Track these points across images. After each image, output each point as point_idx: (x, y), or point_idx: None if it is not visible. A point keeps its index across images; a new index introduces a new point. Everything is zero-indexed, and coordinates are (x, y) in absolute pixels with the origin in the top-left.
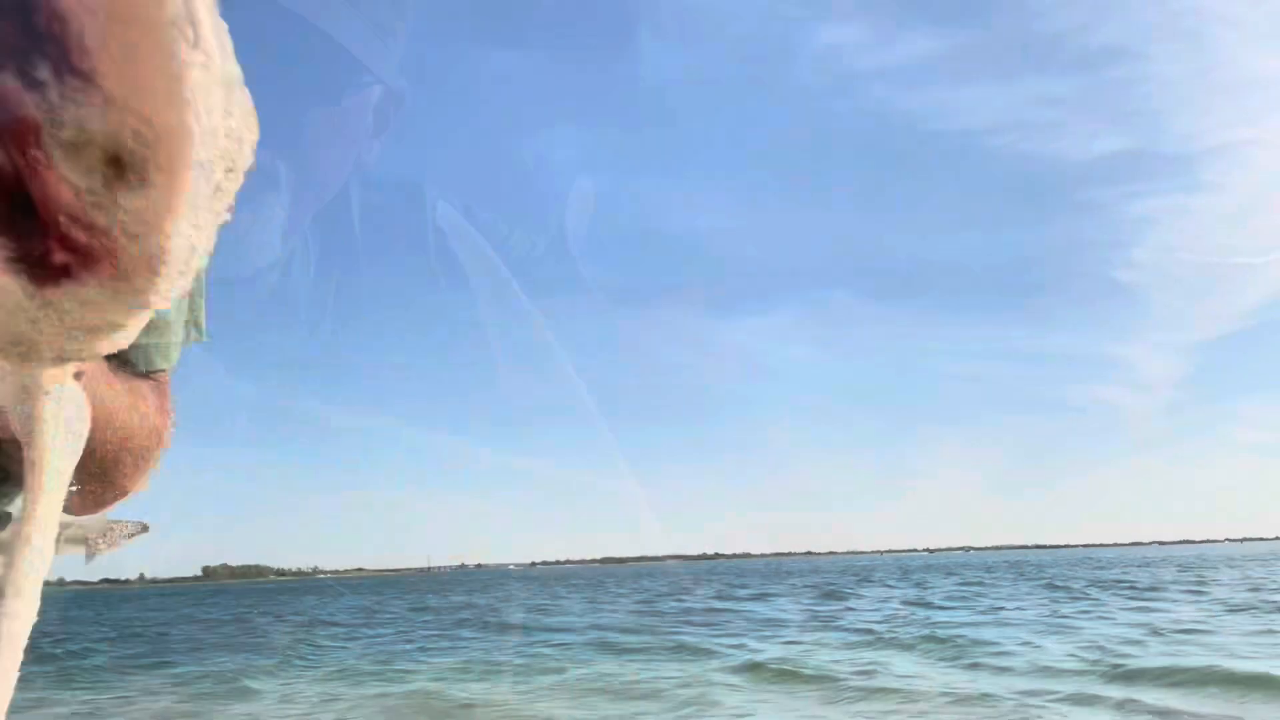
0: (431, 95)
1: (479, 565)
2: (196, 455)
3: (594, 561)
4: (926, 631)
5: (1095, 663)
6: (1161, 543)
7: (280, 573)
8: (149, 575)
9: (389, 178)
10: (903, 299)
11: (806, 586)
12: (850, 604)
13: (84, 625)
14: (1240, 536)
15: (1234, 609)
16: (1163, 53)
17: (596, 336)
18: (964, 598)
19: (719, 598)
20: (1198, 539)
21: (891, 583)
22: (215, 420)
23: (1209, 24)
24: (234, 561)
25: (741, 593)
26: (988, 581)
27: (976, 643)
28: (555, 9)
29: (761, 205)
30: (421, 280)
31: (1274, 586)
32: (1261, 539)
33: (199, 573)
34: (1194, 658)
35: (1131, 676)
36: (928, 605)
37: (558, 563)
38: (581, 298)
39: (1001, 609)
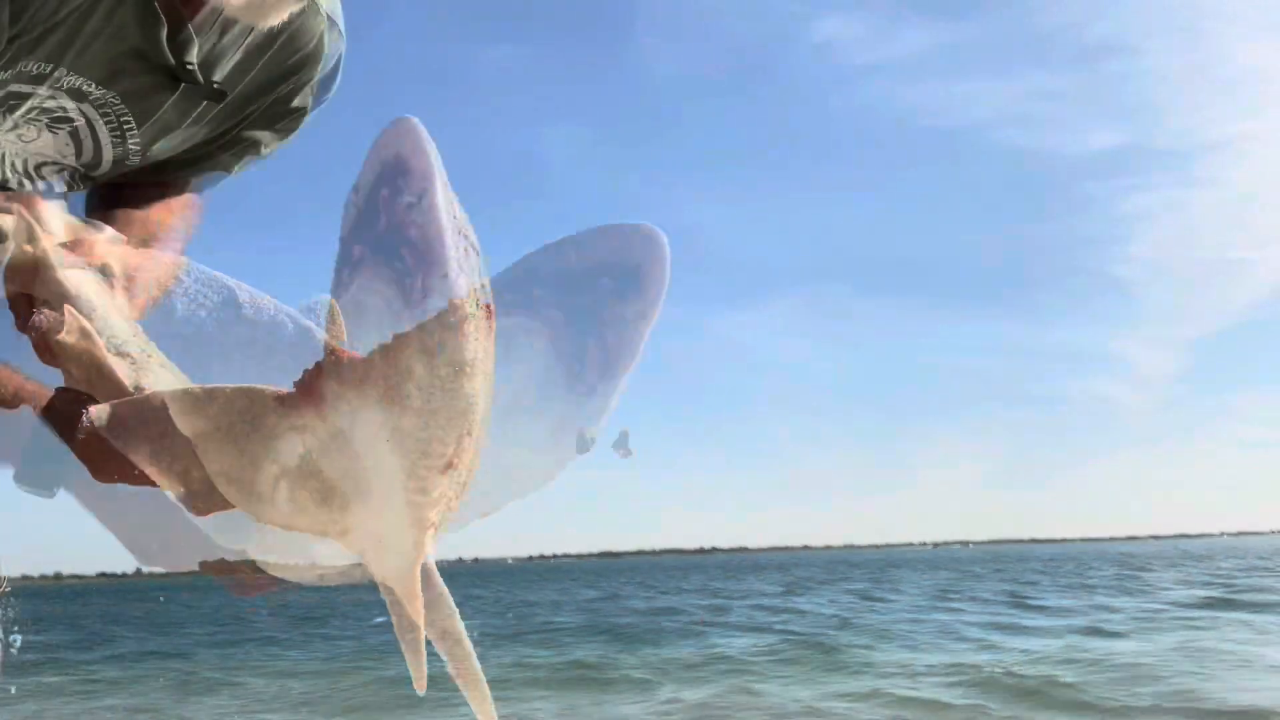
0: (431, 92)
1: (476, 560)
2: None
3: (592, 556)
4: (838, 634)
5: (971, 667)
6: (1157, 537)
7: None
8: (146, 569)
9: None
10: (900, 293)
11: (769, 585)
12: (802, 603)
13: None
14: (1236, 530)
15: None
16: (1159, 47)
17: None
18: (934, 596)
19: (681, 593)
20: (1194, 533)
21: (857, 580)
22: None
23: (1205, 18)
24: (233, 557)
25: (715, 587)
26: (956, 580)
27: (889, 646)
28: (555, 6)
29: (759, 199)
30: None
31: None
32: (1258, 533)
33: (197, 567)
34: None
35: (989, 684)
36: (870, 603)
37: (555, 556)
38: None
39: (952, 610)
